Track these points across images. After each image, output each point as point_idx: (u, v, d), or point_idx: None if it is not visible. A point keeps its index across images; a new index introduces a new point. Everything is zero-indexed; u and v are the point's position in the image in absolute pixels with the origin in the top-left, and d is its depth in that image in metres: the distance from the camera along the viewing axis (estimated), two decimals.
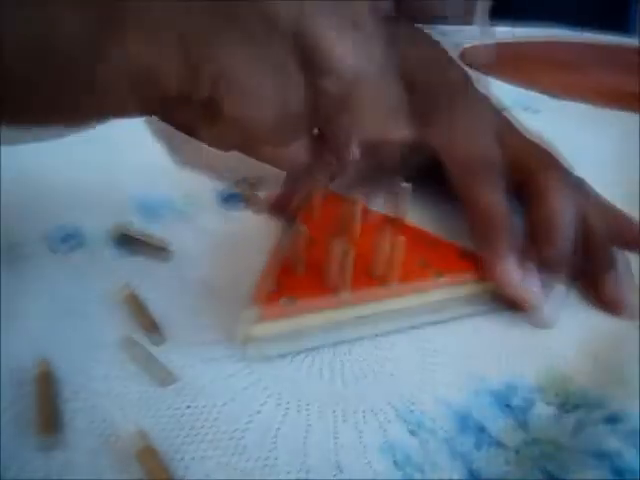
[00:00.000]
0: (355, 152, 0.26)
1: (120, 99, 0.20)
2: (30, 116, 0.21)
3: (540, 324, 0.26)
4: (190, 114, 0.21)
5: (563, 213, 0.28)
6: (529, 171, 0.30)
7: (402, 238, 0.24)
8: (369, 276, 0.25)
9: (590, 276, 0.28)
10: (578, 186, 0.31)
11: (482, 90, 0.36)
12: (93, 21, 0.18)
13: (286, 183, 0.33)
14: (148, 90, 0.20)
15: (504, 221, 0.27)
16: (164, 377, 0.22)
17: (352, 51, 0.22)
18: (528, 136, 0.34)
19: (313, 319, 0.23)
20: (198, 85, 0.19)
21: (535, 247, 0.27)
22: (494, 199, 0.28)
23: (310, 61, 0.21)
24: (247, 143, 0.24)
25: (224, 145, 0.23)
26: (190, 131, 0.22)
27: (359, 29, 0.23)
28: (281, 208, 0.33)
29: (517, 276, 0.25)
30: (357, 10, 0.23)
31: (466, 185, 0.30)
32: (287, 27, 0.20)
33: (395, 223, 0.30)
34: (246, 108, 0.20)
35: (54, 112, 0.21)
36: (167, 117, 0.22)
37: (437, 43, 0.41)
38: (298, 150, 0.26)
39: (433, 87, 0.35)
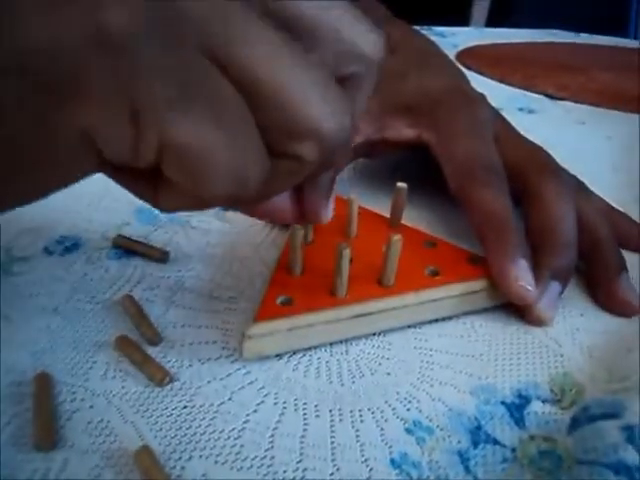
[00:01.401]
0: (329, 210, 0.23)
1: (63, 169, 0.17)
2: None
3: (537, 322, 0.26)
4: (137, 179, 0.18)
5: (564, 219, 0.28)
6: (526, 174, 0.30)
7: (399, 237, 0.24)
8: (366, 275, 0.25)
9: (599, 278, 0.28)
10: (577, 189, 0.31)
11: (479, 91, 0.36)
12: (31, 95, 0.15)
13: None
14: (88, 158, 0.16)
15: (501, 220, 0.27)
16: (161, 377, 0.22)
17: (332, 106, 0.16)
18: (525, 139, 0.34)
19: (310, 319, 0.23)
20: (140, 151, 0.16)
21: (536, 252, 0.27)
22: (490, 199, 0.28)
23: (270, 119, 0.16)
24: (208, 208, 0.19)
25: (180, 210, 0.19)
26: (140, 195, 0.19)
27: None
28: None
29: (514, 274, 0.25)
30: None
31: (463, 186, 0.30)
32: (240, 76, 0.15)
33: (392, 223, 0.30)
34: (197, 178, 0.16)
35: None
36: (116, 180, 0.18)
37: (433, 44, 0.41)
38: (277, 204, 0.22)
39: (429, 88, 0.35)
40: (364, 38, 0.18)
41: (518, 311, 0.26)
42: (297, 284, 0.25)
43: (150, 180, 0.17)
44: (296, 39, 0.16)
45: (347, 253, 0.23)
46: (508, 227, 0.27)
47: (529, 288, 0.25)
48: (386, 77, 0.36)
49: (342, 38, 0.17)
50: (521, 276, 0.25)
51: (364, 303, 0.24)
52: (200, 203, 0.18)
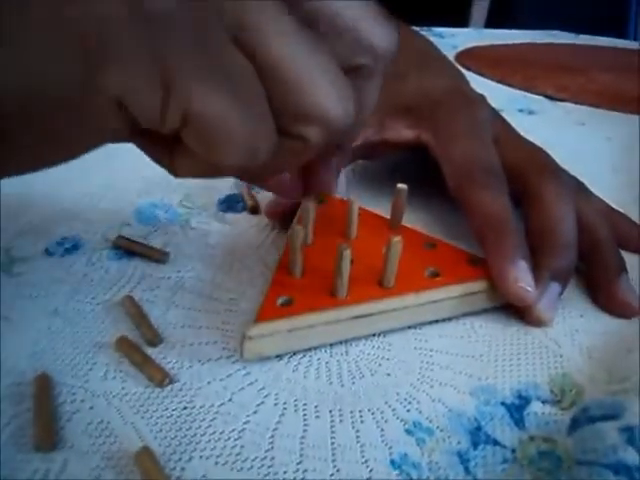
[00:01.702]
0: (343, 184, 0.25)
1: (96, 131, 0.18)
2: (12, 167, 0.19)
3: (536, 322, 0.26)
4: (157, 144, 0.19)
5: (564, 220, 0.28)
6: (526, 175, 0.30)
7: (399, 239, 0.24)
8: (366, 276, 0.25)
9: (598, 280, 0.28)
10: (577, 190, 0.31)
11: (479, 92, 0.36)
12: (72, 60, 0.15)
13: None
14: (119, 124, 0.17)
15: (500, 222, 0.27)
16: (161, 378, 0.22)
17: (339, 94, 0.18)
18: (525, 140, 0.34)
19: (310, 319, 0.23)
20: (167, 118, 0.17)
21: (536, 253, 0.27)
22: (489, 201, 0.28)
23: (281, 101, 0.17)
24: (220, 176, 0.21)
25: (194, 176, 0.20)
26: (158, 160, 0.20)
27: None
28: (278, 210, 0.33)
29: (513, 275, 0.25)
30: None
31: (462, 187, 0.30)
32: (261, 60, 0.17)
33: (392, 224, 0.30)
34: (214, 147, 0.17)
35: (37, 158, 0.19)
36: (139, 145, 0.20)
37: (432, 45, 0.41)
38: (286, 179, 0.24)
39: (429, 89, 0.35)
40: (377, 32, 0.19)
41: (518, 312, 0.26)
42: (297, 285, 0.25)
43: (168, 147, 0.19)
44: (314, 27, 0.17)
45: (348, 254, 0.23)
46: (507, 228, 0.27)
47: (529, 289, 0.25)
48: (386, 78, 0.36)
49: (357, 30, 0.18)
50: (521, 277, 0.25)
51: (364, 304, 0.24)
52: (213, 170, 0.19)
